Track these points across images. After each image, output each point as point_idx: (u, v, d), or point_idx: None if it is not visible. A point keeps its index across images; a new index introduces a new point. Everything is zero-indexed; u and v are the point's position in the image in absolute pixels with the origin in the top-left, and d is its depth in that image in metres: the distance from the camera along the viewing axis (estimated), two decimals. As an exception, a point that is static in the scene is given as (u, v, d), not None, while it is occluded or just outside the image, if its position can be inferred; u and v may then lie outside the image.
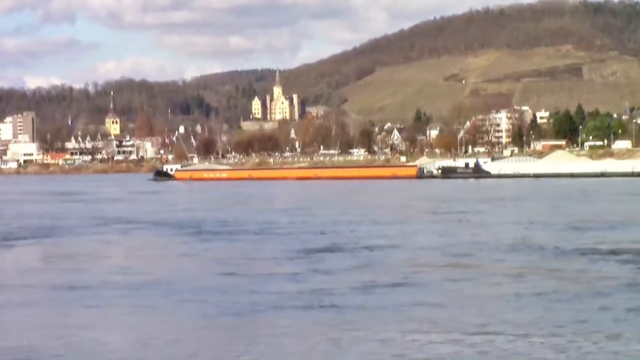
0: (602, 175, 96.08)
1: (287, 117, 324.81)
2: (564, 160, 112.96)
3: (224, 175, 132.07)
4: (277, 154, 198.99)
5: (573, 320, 14.51)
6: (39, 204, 60.73)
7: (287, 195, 71.41)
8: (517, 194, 62.69)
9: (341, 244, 27.78)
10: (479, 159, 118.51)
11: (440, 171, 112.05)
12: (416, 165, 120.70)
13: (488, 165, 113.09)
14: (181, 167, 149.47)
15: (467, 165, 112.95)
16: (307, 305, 16.27)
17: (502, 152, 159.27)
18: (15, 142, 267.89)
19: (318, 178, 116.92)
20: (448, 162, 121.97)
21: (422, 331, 13.82)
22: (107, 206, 56.64)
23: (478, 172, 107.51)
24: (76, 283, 20.02)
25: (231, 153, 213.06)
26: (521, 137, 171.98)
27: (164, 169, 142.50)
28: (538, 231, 31.19)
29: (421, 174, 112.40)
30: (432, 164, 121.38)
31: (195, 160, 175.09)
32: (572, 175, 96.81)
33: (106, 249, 29.05)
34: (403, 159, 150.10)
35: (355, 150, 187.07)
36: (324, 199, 61.53)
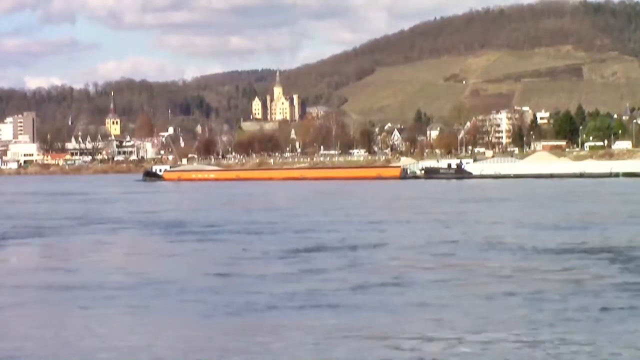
0: (581, 175, 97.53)
1: (288, 118, 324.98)
2: (544, 161, 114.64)
3: (212, 175, 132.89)
4: (277, 154, 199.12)
5: (558, 319, 14.50)
6: (24, 205, 60.69)
7: (272, 196, 71.94)
8: (492, 194, 63.39)
9: (324, 243, 27.73)
10: (462, 160, 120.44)
11: (423, 172, 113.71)
12: (400, 166, 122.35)
13: (470, 166, 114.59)
14: (170, 167, 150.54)
15: (449, 166, 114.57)
16: (298, 305, 16.32)
17: (502, 152, 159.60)
18: (15, 142, 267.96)
19: (304, 179, 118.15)
20: (431, 163, 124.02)
21: (412, 331, 13.81)
22: (91, 206, 56.80)
23: (460, 173, 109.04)
24: (58, 283, 19.98)
25: (231, 153, 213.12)
26: (521, 137, 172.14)
27: (153, 170, 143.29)
28: (517, 230, 31.44)
29: (405, 175, 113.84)
30: (415, 164, 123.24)
31: (185, 161, 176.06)
32: (551, 176, 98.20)
33: (88, 249, 28.82)
34: (403, 159, 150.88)
35: (355, 151, 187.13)
36: (308, 199, 62.02)
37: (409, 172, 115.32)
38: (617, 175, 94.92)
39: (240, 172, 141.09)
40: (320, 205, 52.56)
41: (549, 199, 54.38)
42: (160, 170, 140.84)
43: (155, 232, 34.61)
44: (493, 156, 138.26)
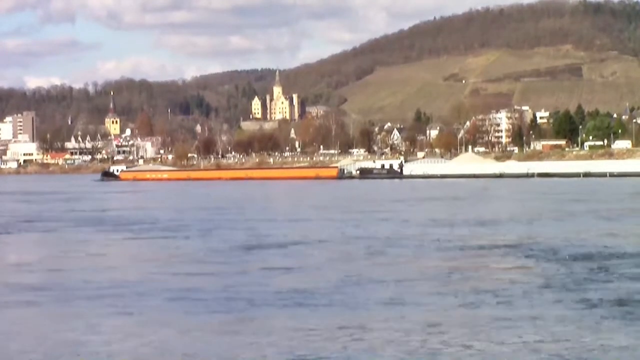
0: (501, 176, 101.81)
1: (287, 117, 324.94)
2: (470, 162, 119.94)
3: (165, 176, 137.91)
4: (277, 153, 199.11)
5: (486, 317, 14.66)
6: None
7: (219, 195, 73.34)
8: (412, 194, 65.36)
9: (259, 241, 28.25)
10: (403, 161, 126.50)
11: (358, 172, 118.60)
12: (337, 167, 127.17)
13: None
14: (126, 168, 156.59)
15: (382, 166, 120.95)
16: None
17: (502, 151, 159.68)
18: (15, 142, 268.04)
19: (250, 178, 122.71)
20: (366, 164, 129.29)
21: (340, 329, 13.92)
22: (32, 206, 57.79)
23: (392, 173, 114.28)
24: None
25: (231, 153, 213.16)
26: (521, 137, 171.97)
27: (111, 170, 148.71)
28: (437, 228, 32.27)
29: (341, 175, 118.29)
30: (352, 165, 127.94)
31: (141, 162, 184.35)
32: (474, 176, 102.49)
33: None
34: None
35: (355, 150, 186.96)
36: (248, 199, 63.56)
37: (345, 172, 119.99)
38: (532, 175, 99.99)
39: (192, 172, 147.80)
40: (257, 204, 54.43)
41: (457, 199, 56.19)
42: (117, 171, 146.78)
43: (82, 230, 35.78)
44: (424, 157, 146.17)
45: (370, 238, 28.30)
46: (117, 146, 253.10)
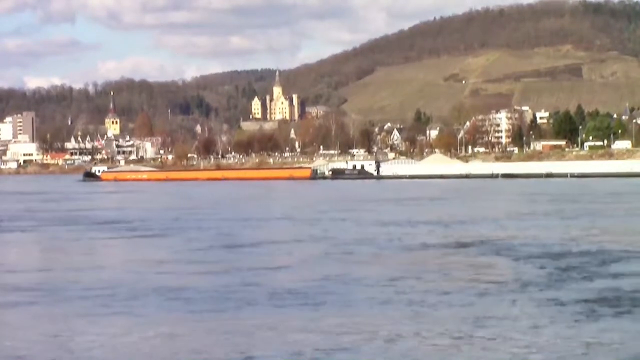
0: (467, 176, 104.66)
1: (287, 117, 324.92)
2: (438, 163, 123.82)
3: (145, 176, 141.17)
4: (277, 154, 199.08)
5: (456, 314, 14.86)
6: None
7: (195, 195, 74.46)
8: (373, 194, 67.19)
9: (227, 241, 28.56)
10: (377, 161, 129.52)
11: (331, 173, 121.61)
12: (310, 167, 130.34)
13: (372, 167, 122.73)
14: (107, 168, 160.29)
15: (354, 167, 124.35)
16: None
17: (502, 151, 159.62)
18: (15, 142, 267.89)
19: (226, 179, 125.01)
20: (339, 165, 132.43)
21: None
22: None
23: (363, 174, 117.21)
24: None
25: (231, 153, 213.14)
26: (521, 137, 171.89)
27: (93, 171, 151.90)
28: (398, 228, 32.82)
29: (315, 175, 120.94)
30: (325, 166, 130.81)
31: (122, 162, 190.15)
32: (442, 177, 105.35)
33: None
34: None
35: (355, 150, 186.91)
36: (223, 199, 64.58)
37: (318, 173, 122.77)
38: (497, 176, 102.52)
39: (170, 173, 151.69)
40: (230, 204, 55.60)
41: (415, 199, 57.09)
42: (98, 171, 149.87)
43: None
44: (394, 158, 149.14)
45: (331, 238, 28.77)
46: (117, 146, 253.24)
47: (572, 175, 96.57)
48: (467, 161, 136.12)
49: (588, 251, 23.30)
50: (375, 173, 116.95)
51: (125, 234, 32.51)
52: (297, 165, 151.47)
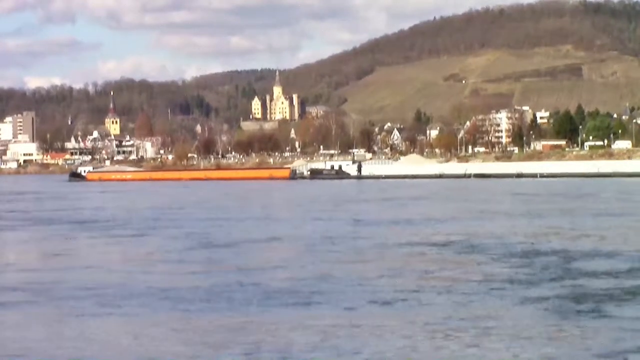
0: (440, 176, 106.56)
1: (287, 117, 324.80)
2: (414, 164, 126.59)
3: (129, 176, 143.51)
4: (277, 154, 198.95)
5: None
6: None
7: (175, 196, 75.01)
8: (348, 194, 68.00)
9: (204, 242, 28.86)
10: (360, 162, 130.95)
11: (309, 173, 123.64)
12: (290, 168, 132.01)
13: (349, 167, 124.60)
14: (93, 169, 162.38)
15: (332, 167, 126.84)
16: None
17: (502, 151, 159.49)
18: (15, 142, 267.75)
19: (208, 179, 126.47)
20: (317, 165, 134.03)
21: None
22: None
23: (340, 174, 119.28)
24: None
25: (231, 153, 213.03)
26: (521, 137, 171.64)
27: (78, 171, 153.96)
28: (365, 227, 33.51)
29: (294, 175, 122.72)
30: (304, 166, 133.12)
31: (108, 163, 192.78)
32: (416, 177, 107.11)
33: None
34: (402, 158, 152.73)
35: (355, 150, 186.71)
36: (203, 199, 65.31)
37: (297, 173, 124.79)
38: (469, 176, 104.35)
39: (153, 173, 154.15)
40: (212, 204, 56.46)
41: (388, 200, 57.70)
42: (84, 172, 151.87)
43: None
44: (371, 158, 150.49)
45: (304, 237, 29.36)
46: (117, 146, 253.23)
47: (542, 176, 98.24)
48: (467, 161, 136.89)
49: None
50: (351, 173, 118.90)
51: (101, 234, 32.74)
52: (277, 166, 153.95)
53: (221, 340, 13.02)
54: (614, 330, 13.09)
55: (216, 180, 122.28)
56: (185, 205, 54.76)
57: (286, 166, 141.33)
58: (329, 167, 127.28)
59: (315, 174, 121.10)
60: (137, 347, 12.79)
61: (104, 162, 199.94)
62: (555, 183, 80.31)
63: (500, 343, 12.47)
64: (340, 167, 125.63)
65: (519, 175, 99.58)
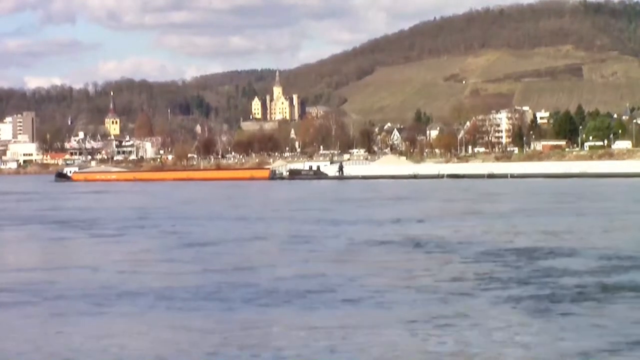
0: (415, 177, 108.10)
1: (287, 117, 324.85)
2: (390, 164, 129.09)
3: (114, 177, 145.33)
4: (277, 154, 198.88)
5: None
6: None
7: (157, 195, 75.49)
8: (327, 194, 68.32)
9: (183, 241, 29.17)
10: (342, 162, 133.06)
11: (288, 173, 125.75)
12: (269, 168, 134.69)
13: (327, 167, 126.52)
14: (79, 169, 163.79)
15: (310, 168, 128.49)
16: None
17: (502, 152, 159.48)
18: (14, 142, 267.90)
19: (191, 179, 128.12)
20: (296, 165, 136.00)
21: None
22: None
23: (318, 174, 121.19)
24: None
25: (231, 153, 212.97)
26: (521, 137, 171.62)
27: (64, 172, 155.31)
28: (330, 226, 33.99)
29: (273, 176, 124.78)
30: (284, 166, 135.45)
31: (93, 163, 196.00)
32: (392, 177, 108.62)
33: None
34: (403, 158, 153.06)
35: (355, 150, 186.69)
36: (186, 199, 65.49)
37: (277, 173, 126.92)
38: (442, 176, 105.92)
39: (137, 173, 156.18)
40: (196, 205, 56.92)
41: (363, 200, 57.93)
42: (70, 172, 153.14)
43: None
44: (349, 159, 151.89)
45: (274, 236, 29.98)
46: (117, 146, 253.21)
47: (512, 176, 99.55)
48: (467, 161, 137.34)
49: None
50: (329, 174, 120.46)
51: (80, 234, 32.85)
52: (256, 166, 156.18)
53: (217, 340, 12.95)
54: (586, 328, 13.26)
55: (199, 180, 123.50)
56: (172, 205, 55.36)
57: (266, 167, 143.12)
58: (307, 168, 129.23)
59: (294, 174, 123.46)
60: (136, 347, 12.73)
61: (90, 163, 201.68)
62: (523, 183, 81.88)
63: (478, 339, 12.58)
64: (318, 167, 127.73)
65: (490, 176, 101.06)
